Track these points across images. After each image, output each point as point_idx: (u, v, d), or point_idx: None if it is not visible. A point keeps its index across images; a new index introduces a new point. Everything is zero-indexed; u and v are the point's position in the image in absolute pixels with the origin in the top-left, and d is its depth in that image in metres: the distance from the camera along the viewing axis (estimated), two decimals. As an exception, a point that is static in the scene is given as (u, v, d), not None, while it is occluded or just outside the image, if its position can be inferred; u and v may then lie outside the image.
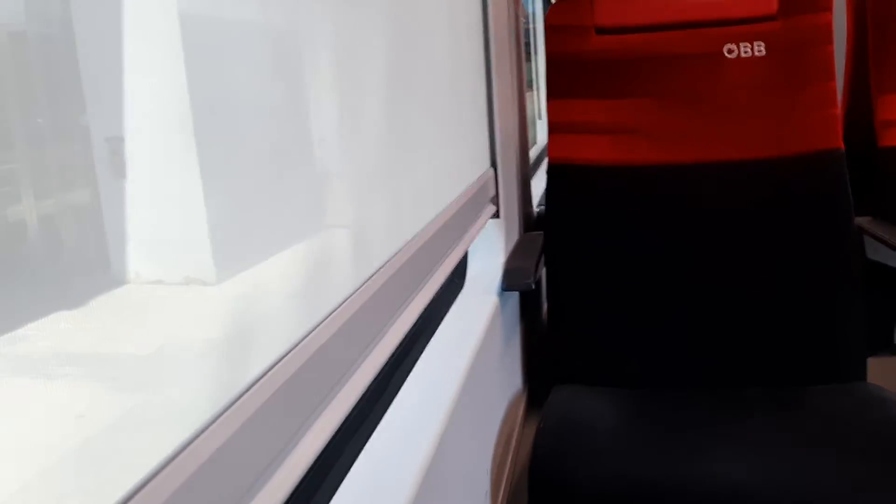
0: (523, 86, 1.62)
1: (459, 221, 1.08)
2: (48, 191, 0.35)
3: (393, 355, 0.74)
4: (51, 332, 0.33)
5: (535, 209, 1.81)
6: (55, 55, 0.36)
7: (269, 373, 0.49)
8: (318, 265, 0.62)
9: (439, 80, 1.03)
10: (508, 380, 1.35)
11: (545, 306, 1.52)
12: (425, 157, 0.96)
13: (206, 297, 0.44)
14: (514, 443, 1.37)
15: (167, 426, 0.39)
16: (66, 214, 0.36)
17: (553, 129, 1.48)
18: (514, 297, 1.44)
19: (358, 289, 0.66)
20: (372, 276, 0.70)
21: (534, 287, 1.29)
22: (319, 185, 0.63)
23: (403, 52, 0.86)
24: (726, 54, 1.40)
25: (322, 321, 0.58)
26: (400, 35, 0.85)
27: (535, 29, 3.70)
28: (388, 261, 0.76)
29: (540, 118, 3.68)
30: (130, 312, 0.38)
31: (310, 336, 0.55)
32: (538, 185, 1.91)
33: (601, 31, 1.44)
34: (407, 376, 0.94)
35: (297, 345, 0.53)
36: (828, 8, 1.36)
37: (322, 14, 0.63)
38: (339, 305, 0.62)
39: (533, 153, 2.70)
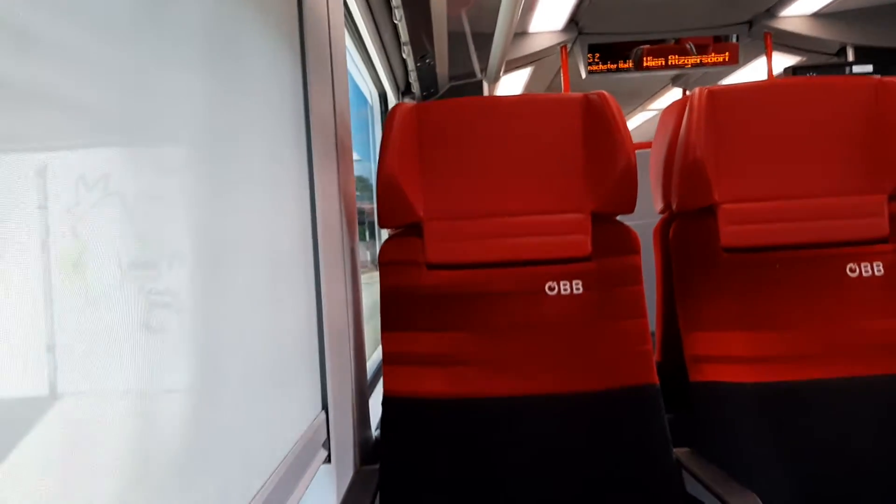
0: (360, 317, 1.62)
1: (285, 481, 1.01)
2: None
3: None
4: None
5: (374, 434, 1.76)
6: None
7: None
8: None
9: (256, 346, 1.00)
10: None
11: None
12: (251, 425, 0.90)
13: None
14: None
15: None
16: None
17: (387, 360, 1.47)
18: None
19: None
20: None
21: None
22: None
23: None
24: (547, 291, 1.49)
25: None
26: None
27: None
28: None
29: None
30: None
31: None
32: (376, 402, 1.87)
33: (432, 266, 1.50)
34: None
35: None
36: (636, 251, 1.50)
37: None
38: None
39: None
